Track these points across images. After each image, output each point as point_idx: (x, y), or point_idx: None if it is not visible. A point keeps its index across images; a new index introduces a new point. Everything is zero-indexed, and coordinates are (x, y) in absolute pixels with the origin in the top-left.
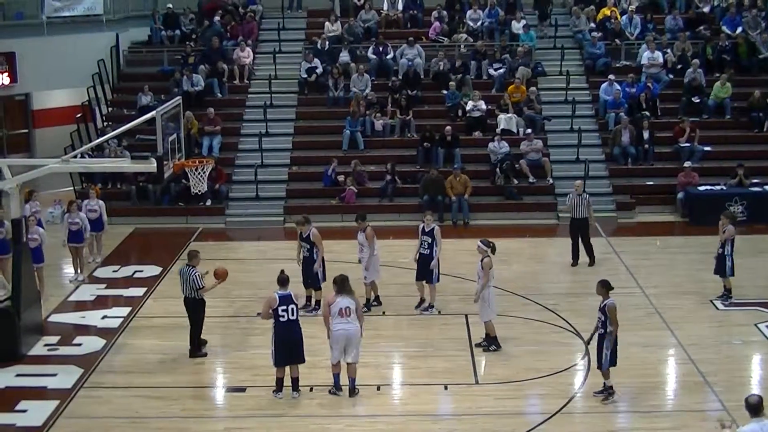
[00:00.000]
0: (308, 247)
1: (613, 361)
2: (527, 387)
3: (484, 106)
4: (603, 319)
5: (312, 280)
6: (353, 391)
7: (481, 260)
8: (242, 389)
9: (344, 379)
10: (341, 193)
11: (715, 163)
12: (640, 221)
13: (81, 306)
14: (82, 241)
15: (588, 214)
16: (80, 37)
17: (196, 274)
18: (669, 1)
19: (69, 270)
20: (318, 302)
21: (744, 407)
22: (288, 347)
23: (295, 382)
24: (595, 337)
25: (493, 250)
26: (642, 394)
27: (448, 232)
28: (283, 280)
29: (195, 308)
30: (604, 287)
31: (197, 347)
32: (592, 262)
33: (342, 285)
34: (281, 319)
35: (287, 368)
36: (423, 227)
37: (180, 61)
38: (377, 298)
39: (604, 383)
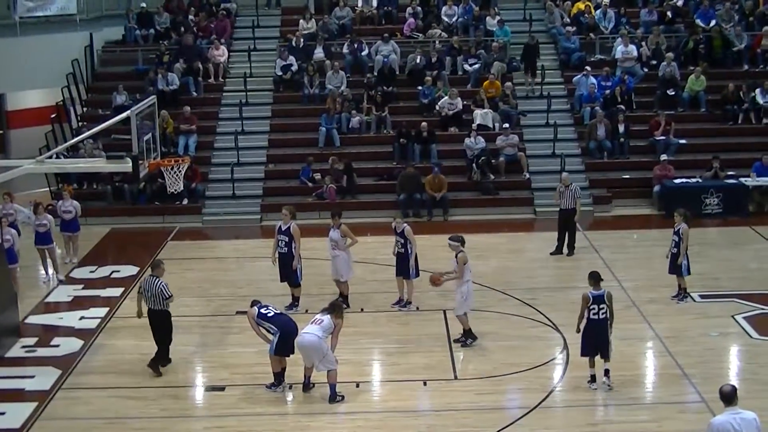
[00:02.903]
0: (286, 240)
1: (584, 350)
2: (506, 382)
3: (460, 105)
4: None
5: (290, 278)
6: (330, 398)
7: (456, 256)
8: (221, 388)
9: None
10: (317, 191)
11: (690, 156)
12: (616, 215)
13: (58, 307)
14: (50, 242)
15: (575, 205)
16: (54, 37)
17: (163, 284)
18: None
19: (44, 272)
20: (297, 299)
21: (720, 397)
22: (290, 338)
23: (282, 372)
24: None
25: (463, 243)
26: (620, 387)
27: (425, 228)
28: (254, 302)
29: (162, 320)
30: (591, 278)
31: (163, 359)
32: (570, 252)
33: (331, 306)
34: (268, 314)
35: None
36: (395, 227)
37: (155, 60)
38: (346, 298)
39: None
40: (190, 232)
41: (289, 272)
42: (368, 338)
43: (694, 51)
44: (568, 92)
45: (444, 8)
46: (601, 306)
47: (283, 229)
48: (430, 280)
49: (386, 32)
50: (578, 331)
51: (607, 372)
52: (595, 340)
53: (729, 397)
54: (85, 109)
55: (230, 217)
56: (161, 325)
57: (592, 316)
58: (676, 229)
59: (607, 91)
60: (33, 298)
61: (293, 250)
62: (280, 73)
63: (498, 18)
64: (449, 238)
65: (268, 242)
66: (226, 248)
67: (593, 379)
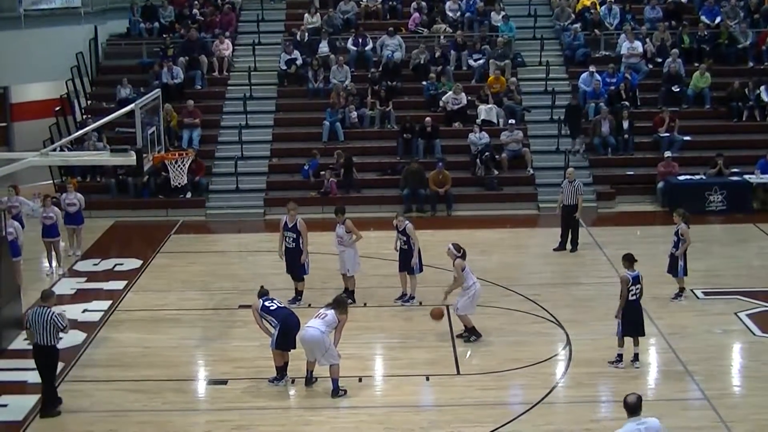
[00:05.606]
0: (294, 236)
1: (624, 330)
2: (509, 377)
3: (465, 100)
4: None
5: (297, 271)
6: (333, 393)
7: (453, 263)
8: (224, 382)
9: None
10: (321, 186)
11: (694, 153)
12: (620, 211)
13: (61, 300)
14: (57, 235)
15: (576, 201)
16: (58, 30)
17: (55, 315)
18: None
19: (47, 264)
20: (301, 293)
21: (624, 407)
22: (291, 332)
23: (285, 366)
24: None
25: (464, 256)
26: (623, 383)
27: (429, 223)
28: (263, 293)
29: (50, 355)
30: (625, 259)
31: (53, 403)
32: (573, 248)
33: (336, 302)
34: (271, 308)
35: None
36: (396, 225)
37: (159, 53)
38: (352, 293)
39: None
40: (194, 226)
41: (296, 266)
42: (371, 333)
43: (699, 48)
44: (572, 88)
45: (448, 3)
46: (637, 286)
47: (289, 225)
48: (431, 316)
49: (391, 27)
50: (617, 316)
51: (636, 356)
52: (635, 319)
53: (634, 407)
54: (89, 102)
55: (234, 211)
56: (46, 363)
57: (631, 297)
58: (676, 230)
59: (612, 88)
60: (36, 290)
61: (300, 245)
62: (284, 68)
63: (503, 13)
64: (451, 244)
65: (271, 236)
66: (230, 242)
67: (620, 358)
